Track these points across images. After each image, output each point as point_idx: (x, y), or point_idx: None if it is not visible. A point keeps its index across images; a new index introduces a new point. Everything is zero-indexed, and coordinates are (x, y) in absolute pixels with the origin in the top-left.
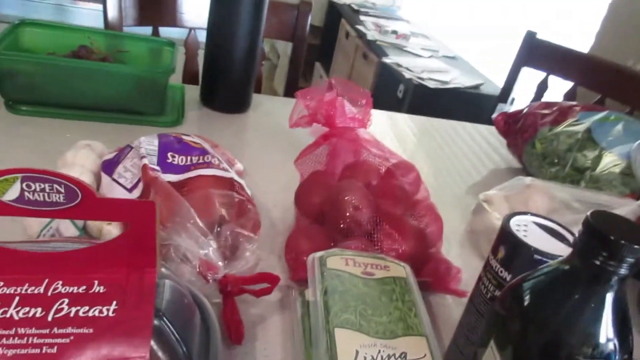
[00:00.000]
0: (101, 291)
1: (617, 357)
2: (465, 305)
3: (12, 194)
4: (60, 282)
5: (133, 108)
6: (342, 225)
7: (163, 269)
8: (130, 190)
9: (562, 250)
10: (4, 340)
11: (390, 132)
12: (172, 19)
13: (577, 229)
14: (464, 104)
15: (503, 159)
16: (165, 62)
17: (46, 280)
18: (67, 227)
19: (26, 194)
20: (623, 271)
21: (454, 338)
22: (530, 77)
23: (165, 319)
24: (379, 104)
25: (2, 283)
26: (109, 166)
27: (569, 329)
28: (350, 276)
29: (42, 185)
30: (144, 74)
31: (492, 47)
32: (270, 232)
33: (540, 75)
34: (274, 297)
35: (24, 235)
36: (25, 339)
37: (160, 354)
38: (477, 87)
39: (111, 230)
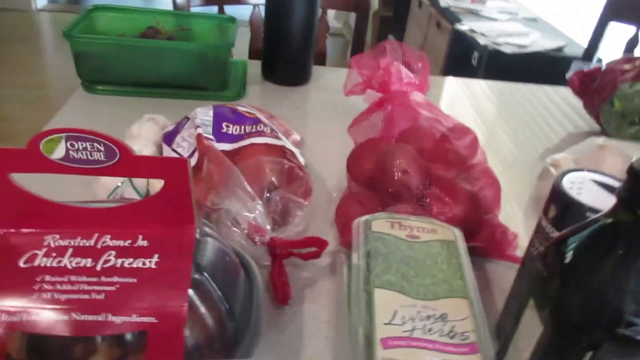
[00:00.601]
0: (145, 245)
1: None
2: (517, 269)
3: (58, 152)
4: (109, 236)
5: (197, 84)
6: (390, 190)
7: (207, 229)
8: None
9: None
10: (58, 286)
11: (465, 98)
12: None
13: None
14: (545, 68)
15: (585, 122)
16: (227, 37)
17: (96, 234)
18: (130, 193)
19: (71, 152)
20: None
21: (506, 303)
22: (619, 35)
23: (206, 274)
24: (452, 73)
25: (58, 236)
26: (169, 137)
27: (612, 287)
28: (395, 239)
29: (84, 144)
30: (205, 49)
31: (576, 5)
32: (325, 200)
33: (630, 31)
34: (324, 262)
35: None
36: (77, 285)
37: (202, 308)
38: (559, 49)
39: None
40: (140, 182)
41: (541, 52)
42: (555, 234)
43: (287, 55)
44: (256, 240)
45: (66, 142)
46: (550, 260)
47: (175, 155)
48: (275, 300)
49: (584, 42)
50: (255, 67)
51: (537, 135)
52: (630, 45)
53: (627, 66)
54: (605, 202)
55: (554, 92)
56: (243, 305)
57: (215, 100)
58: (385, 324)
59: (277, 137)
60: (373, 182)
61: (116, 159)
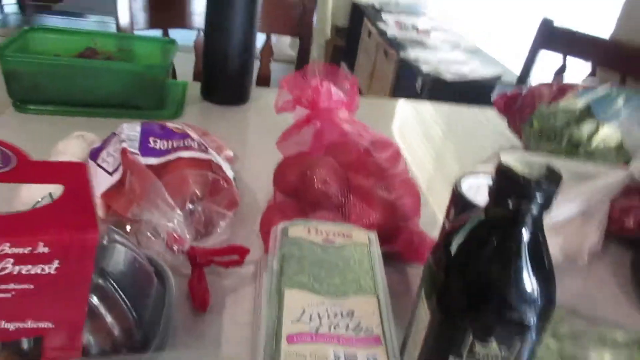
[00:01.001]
0: (45, 251)
1: (539, 301)
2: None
3: None
4: (8, 244)
5: (133, 103)
6: (311, 199)
7: (117, 236)
8: (111, 173)
9: None
10: None
11: (414, 120)
12: (182, 21)
13: None
14: (482, 94)
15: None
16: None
17: None
18: None
19: None
20: (535, 210)
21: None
22: (549, 64)
23: (111, 279)
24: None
25: None
26: (95, 153)
27: (488, 276)
28: (310, 243)
29: None
30: (141, 70)
31: (515, 37)
32: (254, 212)
33: (558, 61)
34: (247, 270)
35: None
36: None
37: (106, 314)
38: (497, 77)
39: None
40: None
41: (479, 79)
42: None
43: (225, 75)
44: (175, 249)
45: None
46: (438, 253)
47: (99, 170)
48: (194, 308)
49: (518, 70)
50: (196, 88)
51: (477, 151)
52: (559, 73)
53: (545, 90)
54: None
55: (491, 113)
56: (154, 312)
57: (151, 119)
58: (293, 321)
59: (205, 151)
60: (297, 193)
61: (13, 165)
